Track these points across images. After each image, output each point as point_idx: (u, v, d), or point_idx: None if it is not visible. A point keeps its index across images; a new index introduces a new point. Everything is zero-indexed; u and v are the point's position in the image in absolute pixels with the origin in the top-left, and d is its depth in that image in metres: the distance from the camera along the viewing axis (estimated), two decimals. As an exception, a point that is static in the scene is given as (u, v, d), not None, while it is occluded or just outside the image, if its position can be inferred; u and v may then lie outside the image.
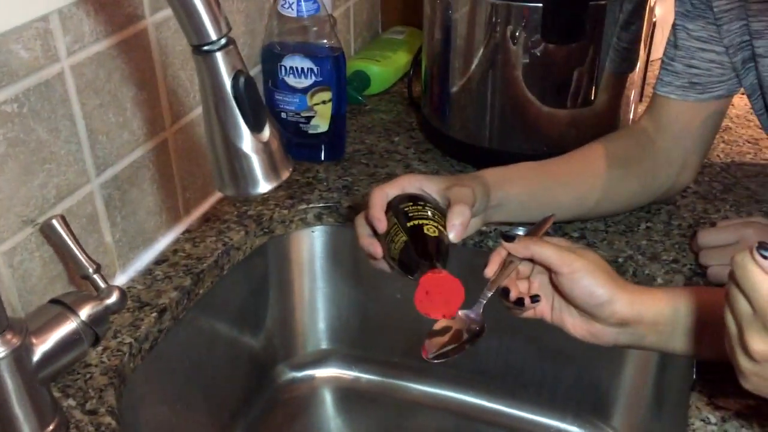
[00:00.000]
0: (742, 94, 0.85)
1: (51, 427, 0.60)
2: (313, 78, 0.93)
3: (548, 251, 0.62)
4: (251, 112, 0.50)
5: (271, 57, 0.94)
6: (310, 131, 0.96)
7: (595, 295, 0.61)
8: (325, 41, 0.94)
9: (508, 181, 0.77)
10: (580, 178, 0.82)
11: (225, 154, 0.51)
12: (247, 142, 0.51)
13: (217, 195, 0.90)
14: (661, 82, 0.84)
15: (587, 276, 0.61)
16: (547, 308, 0.65)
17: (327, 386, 0.98)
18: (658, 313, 0.61)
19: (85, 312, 0.62)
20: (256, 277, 0.90)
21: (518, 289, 0.64)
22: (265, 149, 0.52)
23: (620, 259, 0.81)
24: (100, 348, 0.69)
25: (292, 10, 0.91)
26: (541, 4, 0.85)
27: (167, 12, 0.75)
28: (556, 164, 0.82)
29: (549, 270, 0.63)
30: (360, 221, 0.69)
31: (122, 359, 0.69)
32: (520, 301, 0.63)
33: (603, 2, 0.85)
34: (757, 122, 0.88)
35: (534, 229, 0.68)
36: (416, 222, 0.64)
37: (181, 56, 0.79)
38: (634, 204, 0.87)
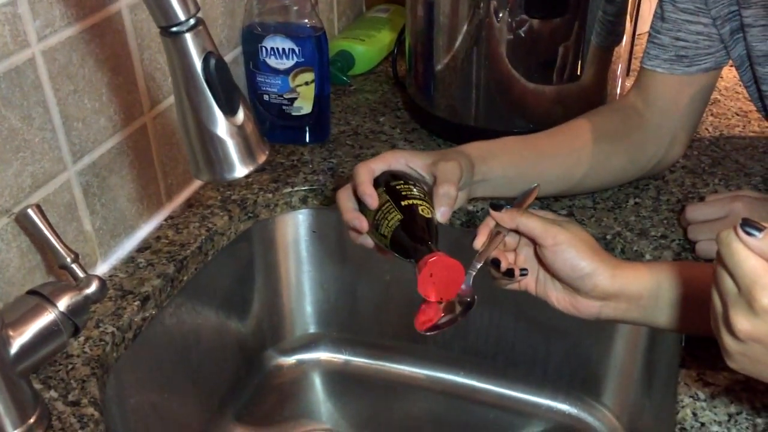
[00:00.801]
0: (731, 66, 0.84)
1: (32, 420, 0.59)
2: (295, 59, 0.92)
3: (533, 223, 0.62)
4: (224, 95, 0.49)
5: (252, 38, 0.92)
6: (294, 113, 0.95)
7: (577, 268, 0.60)
8: (306, 21, 0.92)
9: (493, 155, 0.77)
10: (566, 152, 0.81)
11: (199, 139, 0.50)
12: (220, 125, 0.50)
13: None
14: (647, 56, 0.83)
15: (570, 249, 0.60)
16: (531, 281, 0.65)
17: (316, 370, 0.97)
18: (641, 287, 0.61)
19: (63, 303, 0.60)
20: (242, 262, 0.89)
21: (507, 259, 0.64)
22: (240, 132, 0.50)
23: (608, 236, 0.80)
24: (82, 338, 0.68)
25: (272, -11, 0.89)
26: (524, -22, 0.83)
27: (141, -6, 0.73)
28: (542, 138, 0.81)
29: (533, 242, 0.63)
30: (344, 195, 0.68)
31: (105, 349, 0.68)
32: (509, 272, 0.63)
33: (587, -25, 0.84)
34: (746, 94, 0.86)
35: (519, 201, 0.67)
36: (410, 202, 0.64)
37: (158, 39, 0.77)
38: (622, 179, 0.86)
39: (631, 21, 0.93)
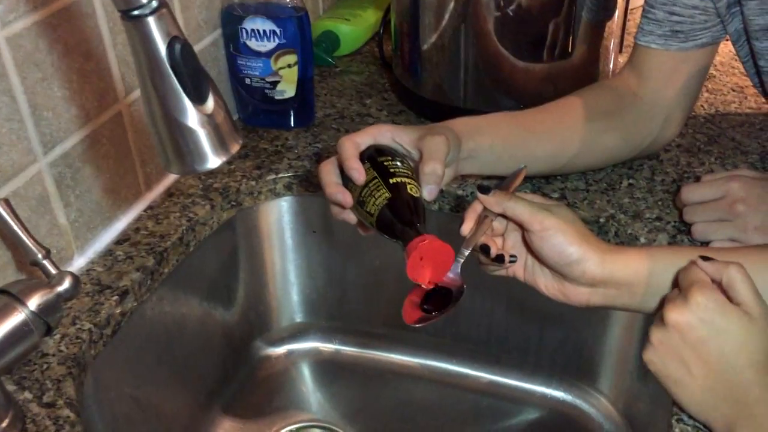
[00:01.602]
0: (727, 40, 0.81)
1: (4, 424, 0.56)
2: (277, 40, 0.89)
3: (520, 207, 0.60)
4: (191, 82, 0.46)
5: (231, 20, 0.89)
6: (277, 97, 0.92)
7: (565, 253, 0.59)
8: (288, 1, 0.89)
9: (480, 131, 0.74)
10: (557, 130, 0.78)
11: (167, 130, 0.47)
12: (189, 115, 0.47)
13: (181, 168, 0.86)
14: (642, 32, 0.80)
15: (558, 234, 0.59)
16: (520, 267, 0.63)
17: (305, 360, 0.95)
18: (632, 272, 0.59)
19: (34, 301, 0.58)
20: (225, 252, 0.86)
21: (497, 245, 0.63)
22: (210, 122, 0.48)
23: (602, 219, 0.78)
24: (57, 336, 0.66)
25: (250, -32, 0.86)
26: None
27: (111, -25, 0.70)
28: (531, 115, 0.78)
29: (521, 227, 0.61)
30: (327, 168, 0.66)
31: (81, 347, 0.65)
32: (499, 258, 0.61)
33: (577, -53, 0.81)
34: (742, 69, 0.84)
35: (506, 184, 0.65)
36: (399, 179, 0.62)
37: (130, 22, 0.74)
38: (614, 159, 0.83)
39: (623, -6, 0.90)
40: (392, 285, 0.91)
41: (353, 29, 1.11)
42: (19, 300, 0.57)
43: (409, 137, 0.68)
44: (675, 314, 0.53)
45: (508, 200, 0.60)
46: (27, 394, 0.61)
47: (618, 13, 0.90)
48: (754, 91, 0.97)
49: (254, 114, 0.94)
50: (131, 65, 0.76)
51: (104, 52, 0.72)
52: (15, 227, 0.60)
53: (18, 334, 0.57)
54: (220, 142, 0.49)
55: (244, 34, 0.88)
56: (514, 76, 0.89)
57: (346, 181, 0.64)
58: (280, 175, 0.87)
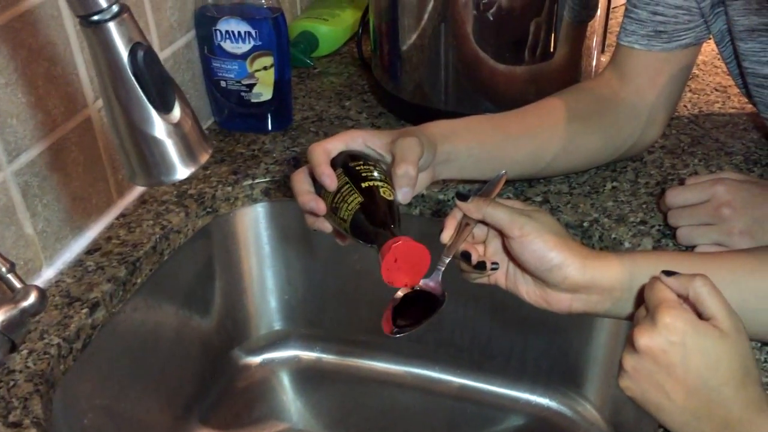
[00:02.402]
0: (710, 40, 0.80)
1: (-33, 447, 0.54)
2: (252, 42, 0.86)
3: (499, 213, 0.59)
4: (155, 90, 0.44)
5: (205, 21, 0.87)
6: (253, 100, 0.90)
7: (545, 259, 0.57)
8: (263, 1, 0.87)
9: (456, 134, 0.72)
10: (535, 132, 0.76)
11: (131, 141, 0.45)
12: (154, 124, 0.45)
13: (154, 174, 0.83)
14: (624, 32, 0.78)
15: (538, 240, 0.57)
16: (501, 274, 0.62)
17: (285, 369, 0.93)
18: (613, 278, 0.58)
19: (-3, 318, 0.56)
20: (200, 260, 0.84)
21: (478, 252, 0.61)
22: (177, 131, 0.45)
23: (585, 223, 0.77)
24: (24, 351, 0.63)
25: (224, -32, 0.83)
26: (492, -49, 0.78)
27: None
28: (509, 117, 0.77)
29: (500, 233, 0.60)
30: (298, 177, 0.65)
31: (50, 362, 0.63)
32: (480, 265, 0.60)
33: (558, -54, 0.79)
34: (725, 68, 0.83)
35: (486, 190, 0.63)
36: (371, 183, 0.60)
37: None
38: (595, 161, 0.82)
39: (605, -8, 0.88)
40: (373, 291, 0.88)
41: (332, 29, 1.09)
42: (-19, 317, 0.55)
43: (381, 141, 0.66)
44: (645, 339, 0.51)
45: (487, 206, 0.59)
46: (-9, 414, 0.59)
47: (600, 13, 0.89)
48: (737, 91, 0.96)
49: (230, 118, 0.92)
50: (100, 69, 0.74)
51: (71, 56, 0.70)
52: (-23, 240, 0.58)
53: (-20, 352, 0.55)
54: (188, 152, 0.46)
55: (219, 36, 0.86)
56: (495, 77, 0.87)
57: (319, 189, 0.63)
58: (257, 180, 0.85)
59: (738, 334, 0.52)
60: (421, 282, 0.59)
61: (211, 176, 0.85)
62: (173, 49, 0.85)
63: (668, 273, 0.54)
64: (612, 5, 0.93)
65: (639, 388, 0.53)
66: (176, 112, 0.45)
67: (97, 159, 0.76)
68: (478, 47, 0.85)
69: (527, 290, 0.61)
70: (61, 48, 0.68)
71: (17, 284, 0.59)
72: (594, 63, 0.92)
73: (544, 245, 0.58)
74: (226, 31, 0.86)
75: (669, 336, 0.51)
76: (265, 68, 0.88)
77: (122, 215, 0.79)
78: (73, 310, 0.68)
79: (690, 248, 0.72)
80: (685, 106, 0.95)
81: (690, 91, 0.98)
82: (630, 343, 0.53)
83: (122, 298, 0.72)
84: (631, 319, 0.59)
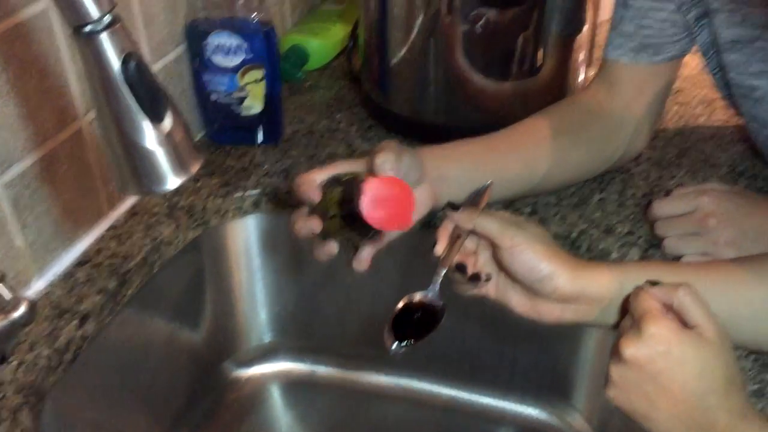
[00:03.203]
0: (694, 52, 0.81)
1: (-45, 458, 0.54)
2: (243, 55, 0.87)
3: (490, 223, 0.59)
4: (148, 100, 0.44)
5: (196, 35, 0.87)
6: (244, 113, 0.90)
7: (536, 269, 0.58)
8: (254, 15, 0.88)
9: (446, 153, 0.73)
10: (524, 148, 0.77)
11: (123, 151, 0.45)
12: (146, 134, 0.45)
13: (145, 186, 0.84)
14: (611, 45, 0.80)
15: (528, 250, 0.58)
16: (492, 285, 0.62)
17: (275, 382, 0.93)
18: (603, 288, 0.59)
19: (-14, 329, 0.56)
20: (191, 272, 0.84)
21: (473, 264, 0.62)
22: (169, 141, 0.46)
23: (573, 234, 0.77)
24: (14, 363, 0.63)
25: (215, -18, 0.84)
26: (480, -33, 0.79)
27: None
28: (498, 137, 0.77)
29: (491, 244, 0.60)
30: (294, 217, 0.65)
31: (39, 374, 0.63)
32: (475, 277, 0.61)
33: (545, -38, 0.80)
34: (710, 81, 0.84)
35: (473, 201, 0.64)
36: (351, 176, 0.62)
37: (90, 38, 0.72)
38: (586, 173, 0.83)
39: (592, 7, 0.90)
40: (365, 303, 0.90)
41: (322, 43, 1.10)
42: (-29, 328, 0.55)
43: (363, 160, 0.66)
44: (631, 349, 0.52)
45: (478, 216, 0.60)
46: (-20, 426, 0.58)
47: (587, 27, 0.90)
48: (722, 104, 0.97)
49: (221, 131, 0.92)
50: (92, 82, 0.74)
51: (62, 69, 0.70)
52: (-33, 251, 0.58)
53: (-31, 363, 0.54)
54: (180, 162, 0.47)
55: (210, 50, 0.87)
56: (483, 91, 0.88)
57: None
58: (248, 193, 0.85)
59: (722, 342, 0.52)
60: (419, 295, 0.60)
61: (202, 189, 0.85)
62: (164, 62, 0.86)
63: (653, 283, 0.55)
64: (598, 19, 0.95)
65: (626, 397, 0.53)
66: (168, 122, 0.46)
67: (88, 171, 0.76)
68: (466, 61, 0.86)
69: (517, 301, 0.61)
70: (52, 60, 0.69)
71: (7, 295, 0.59)
72: (581, 77, 0.93)
73: (535, 255, 0.58)
74: (217, 45, 0.86)
75: (654, 346, 0.51)
76: (255, 81, 0.89)
77: (113, 227, 0.79)
78: (63, 321, 0.68)
79: (677, 258, 0.73)
80: (671, 119, 0.96)
81: (676, 104, 0.99)
82: (616, 353, 0.54)
83: (112, 310, 0.72)
84: (617, 328, 0.60)
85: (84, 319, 0.68)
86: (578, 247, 0.77)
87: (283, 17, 1.13)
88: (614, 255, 0.75)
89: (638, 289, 0.55)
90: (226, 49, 0.86)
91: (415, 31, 0.86)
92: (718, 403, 0.51)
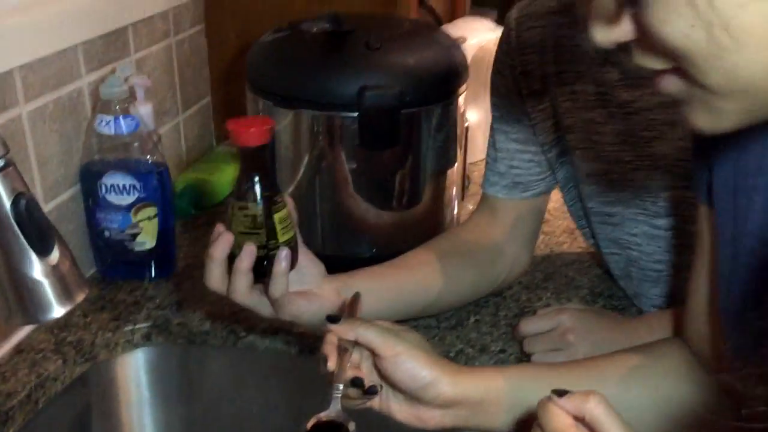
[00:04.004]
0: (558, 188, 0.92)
1: None
2: (136, 194, 0.91)
3: (371, 333, 0.61)
4: (37, 236, 0.48)
5: (90, 176, 0.91)
6: (137, 248, 0.93)
7: (418, 377, 0.60)
8: (148, 157, 0.93)
9: (349, 274, 0.79)
10: (420, 268, 0.84)
11: (10, 282, 0.48)
12: (34, 267, 0.48)
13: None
14: (488, 182, 0.89)
15: (410, 359, 0.60)
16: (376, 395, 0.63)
17: None
18: (483, 391, 0.61)
19: None
20: (77, 409, 0.83)
21: (366, 376, 0.62)
22: (55, 272, 0.49)
23: (452, 354, 0.83)
24: None
25: (110, 128, 0.89)
26: (357, 114, 0.88)
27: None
28: (397, 259, 0.84)
29: (372, 353, 0.62)
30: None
31: None
32: (371, 389, 0.61)
33: (414, 110, 0.90)
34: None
35: (346, 312, 0.67)
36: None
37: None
38: (474, 294, 0.89)
39: (460, 148, 1.00)
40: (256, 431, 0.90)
41: (216, 182, 1.15)
42: None
43: None
44: None
45: (359, 326, 0.61)
46: None
47: (457, 165, 1.00)
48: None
49: (113, 266, 0.94)
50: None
51: (-46, 208, 0.72)
52: None
53: None
54: (65, 291, 0.50)
55: (104, 189, 0.90)
56: (368, 223, 0.95)
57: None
58: (138, 326, 0.87)
59: None
60: (323, 415, 0.59)
61: (92, 323, 0.86)
62: (57, 201, 0.89)
63: (560, 393, 0.51)
64: (468, 160, 1.05)
65: None
66: (55, 255, 0.49)
67: (-26, 308, 0.76)
68: (352, 196, 0.93)
69: (399, 409, 0.62)
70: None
71: None
72: (455, 208, 1.02)
73: (417, 363, 0.60)
74: (111, 185, 0.90)
75: None
76: (149, 218, 0.92)
77: (-4, 365, 0.78)
78: (-63, 463, 0.66)
79: (544, 372, 0.79)
80: (539, 246, 1.05)
81: (543, 233, 1.09)
82: None
83: (-8, 449, 0.71)
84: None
85: (-40, 459, 0.67)
86: (457, 367, 0.82)
87: (179, 157, 1.18)
88: (489, 372, 0.80)
89: (546, 402, 0.51)
90: (120, 188, 0.90)
91: (302, 170, 0.93)
92: None
